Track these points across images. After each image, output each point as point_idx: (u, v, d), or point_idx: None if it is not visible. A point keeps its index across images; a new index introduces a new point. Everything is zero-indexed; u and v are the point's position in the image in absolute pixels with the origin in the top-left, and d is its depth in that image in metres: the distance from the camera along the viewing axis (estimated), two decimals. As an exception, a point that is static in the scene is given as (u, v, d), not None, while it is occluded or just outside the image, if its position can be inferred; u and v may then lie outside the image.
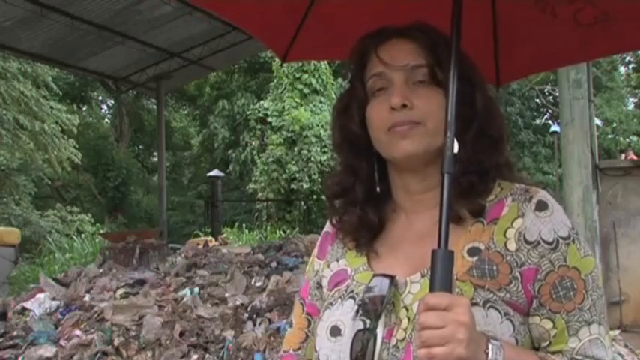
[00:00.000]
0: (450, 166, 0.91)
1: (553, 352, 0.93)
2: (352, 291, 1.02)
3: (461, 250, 0.96)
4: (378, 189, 1.07)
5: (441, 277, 0.85)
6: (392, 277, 0.97)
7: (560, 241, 0.94)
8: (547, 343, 0.94)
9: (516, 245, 0.95)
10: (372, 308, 0.95)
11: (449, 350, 0.79)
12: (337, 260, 1.11)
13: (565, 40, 1.20)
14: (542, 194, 0.98)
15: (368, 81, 1.05)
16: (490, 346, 0.85)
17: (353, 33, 1.09)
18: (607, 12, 1.10)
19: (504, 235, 0.96)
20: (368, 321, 0.95)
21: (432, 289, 0.85)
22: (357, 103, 1.06)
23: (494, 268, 0.94)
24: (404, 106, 0.98)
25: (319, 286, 1.12)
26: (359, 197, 1.07)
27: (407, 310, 0.95)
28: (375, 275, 1.00)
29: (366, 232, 1.07)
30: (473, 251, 0.96)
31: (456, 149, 0.92)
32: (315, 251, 1.17)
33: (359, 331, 0.95)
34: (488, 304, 0.91)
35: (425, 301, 0.82)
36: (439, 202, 0.91)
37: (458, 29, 0.99)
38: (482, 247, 0.96)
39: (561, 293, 0.93)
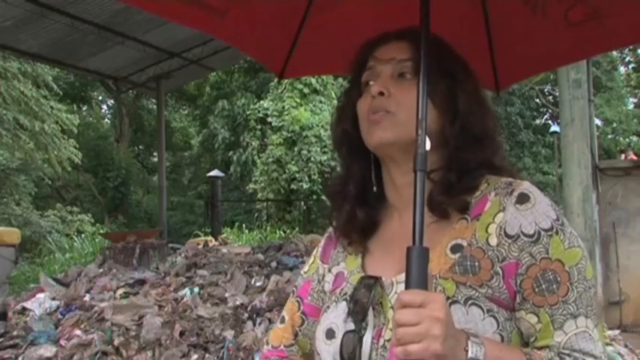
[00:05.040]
0: (421, 163, 0.91)
1: (540, 348, 0.92)
2: (345, 293, 1.03)
3: (444, 248, 0.97)
4: (375, 188, 1.08)
5: (416, 275, 0.85)
6: (376, 279, 0.98)
7: (542, 233, 0.92)
8: (534, 338, 0.93)
9: (497, 240, 0.94)
10: (359, 310, 0.96)
11: (424, 347, 0.78)
12: (338, 264, 1.13)
13: (559, 39, 1.19)
14: (525, 187, 0.97)
15: (363, 78, 1.08)
16: (470, 343, 0.84)
17: (349, 45, 1.10)
18: (597, 9, 1.10)
19: (486, 230, 0.95)
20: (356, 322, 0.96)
21: (407, 286, 0.85)
22: (352, 103, 1.09)
23: (476, 264, 0.93)
24: (381, 94, 1.01)
25: (324, 290, 1.14)
26: (350, 196, 1.09)
27: (394, 310, 0.95)
28: (362, 277, 1.01)
29: (354, 230, 1.08)
30: (455, 248, 0.96)
31: (428, 147, 0.92)
32: (319, 252, 1.19)
33: (347, 332, 0.96)
34: (469, 302, 0.91)
35: (399, 298, 0.82)
36: (423, 198, 0.91)
37: (427, 27, 1.00)
38: (464, 243, 0.96)
39: (544, 286, 0.91)
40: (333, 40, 1.23)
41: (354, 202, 1.09)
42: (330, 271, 1.13)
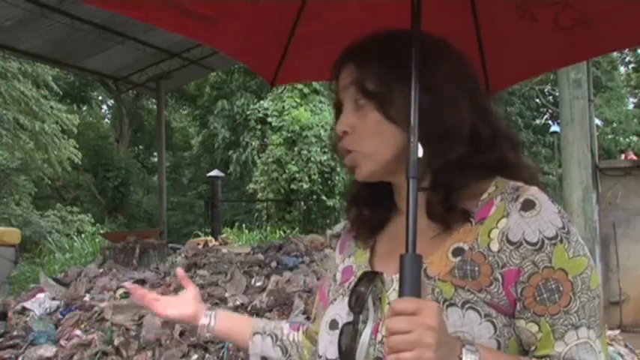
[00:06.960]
0: (414, 170, 0.91)
1: (540, 357, 0.91)
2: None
3: (446, 251, 0.96)
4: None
5: (409, 282, 0.85)
6: (376, 274, 0.99)
7: (546, 241, 0.90)
8: (534, 347, 0.92)
9: (499, 246, 0.92)
10: (358, 303, 0.97)
11: (417, 355, 0.78)
12: (349, 257, 1.14)
13: (548, 44, 1.20)
14: (532, 192, 0.94)
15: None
16: (464, 351, 0.83)
17: (339, 51, 1.10)
18: (585, 14, 1.10)
19: (489, 235, 0.94)
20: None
21: (400, 294, 0.85)
22: None
23: (476, 269, 0.92)
24: (345, 132, 1.02)
25: (335, 280, 1.16)
26: (361, 197, 1.12)
27: (387, 311, 0.96)
28: (364, 272, 1.02)
29: (362, 227, 1.11)
30: (457, 252, 0.95)
31: (420, 154, 0.92)
32: (338, 244, 1.23)
33: (346, 324, 0.97)
34: (467, 305, 0.90)
35: (392, 306, 0.83)
36: (416, 205, 0.91)
37: (417, 33, 0.98)
38: (466, 247, 0.95)
39: (545, 296, 0.89)
40: (323, 46, 1.22)
41: (363, 203, 1.11)
42: (343, 261, 1.15)
